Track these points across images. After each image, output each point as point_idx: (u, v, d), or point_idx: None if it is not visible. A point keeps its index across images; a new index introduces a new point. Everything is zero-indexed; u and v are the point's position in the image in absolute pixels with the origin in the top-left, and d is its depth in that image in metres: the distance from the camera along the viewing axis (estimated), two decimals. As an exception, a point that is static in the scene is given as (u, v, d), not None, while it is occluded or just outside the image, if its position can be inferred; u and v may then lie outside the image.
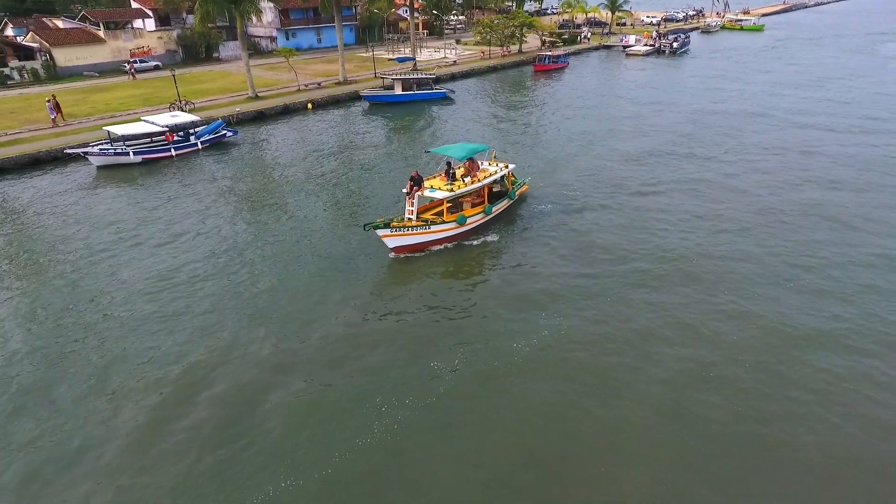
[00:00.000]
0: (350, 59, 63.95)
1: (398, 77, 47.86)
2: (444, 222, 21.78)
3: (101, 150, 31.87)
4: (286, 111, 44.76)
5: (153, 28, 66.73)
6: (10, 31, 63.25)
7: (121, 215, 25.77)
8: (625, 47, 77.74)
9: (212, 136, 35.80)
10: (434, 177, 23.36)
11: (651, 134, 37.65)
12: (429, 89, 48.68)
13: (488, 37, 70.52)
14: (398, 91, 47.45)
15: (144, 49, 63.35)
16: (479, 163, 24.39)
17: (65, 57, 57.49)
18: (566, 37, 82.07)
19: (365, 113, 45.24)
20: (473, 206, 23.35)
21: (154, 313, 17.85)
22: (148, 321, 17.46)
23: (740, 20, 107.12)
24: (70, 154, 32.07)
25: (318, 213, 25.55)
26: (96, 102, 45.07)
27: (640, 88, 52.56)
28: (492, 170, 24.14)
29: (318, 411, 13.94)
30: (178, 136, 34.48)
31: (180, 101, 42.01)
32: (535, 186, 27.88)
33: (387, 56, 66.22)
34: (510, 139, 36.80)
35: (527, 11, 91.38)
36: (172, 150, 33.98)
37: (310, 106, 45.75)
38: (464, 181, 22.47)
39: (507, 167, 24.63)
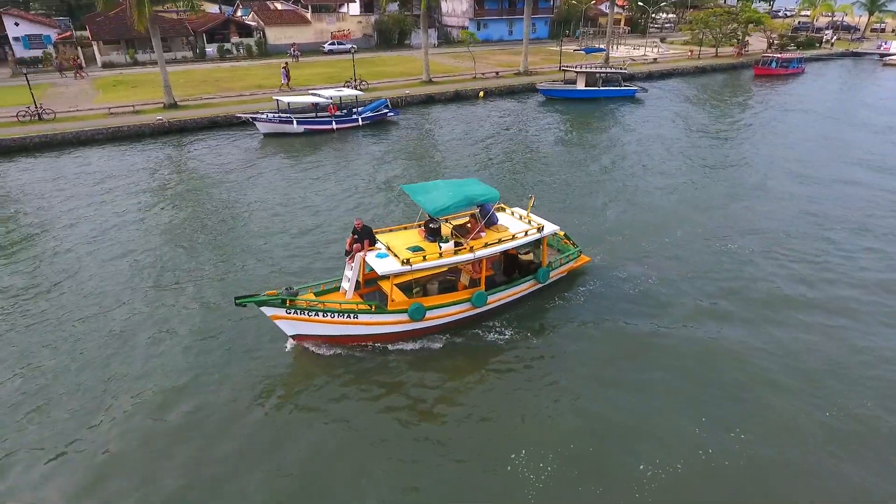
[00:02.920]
0: (538, 51, 60.10)
1: (582, 70, 42.65)
2: (384, 311, 12.90)
3: (267, 117, 32.41)
4: (456, 97, 42.45)
5: (357, 13, 69.97)
6: (239, 12, 71.06)
7: (272, 180, 25.54)
8: (882, 55, 62.45)
9: (373, 114, 34.72)
10: (407, 228, 14.61)
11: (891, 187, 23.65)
12: (616, 86, 42.63)
13: (700, 35, 61.33)
14: (580, 86, 42.25)
15: (344, 32, 66.41)
16: (510, 211, 15.65)
17: (274, 35, 62.46)
18: (801, 40, 68.53)
19: (538, 107, 40.91)
20: (472, 283, 14.09)
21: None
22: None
23: None
24: (241, 119, 33.13)
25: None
26: (286, 76, 47.36)
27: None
28: (514, 229, 14.33)
29: None
30: (341, 110, 34.11)
31: (354, 80, 42.05)
32: (643, 253, 17.78)
33: (574, 48, 61.03)
34: (675, 160, 28.42)
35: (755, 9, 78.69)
36: (334, 123, 33.50)
37: (481, 94, 42.87)
38: (440, 247, 13.11)
39: (540, 229, 14.48)
